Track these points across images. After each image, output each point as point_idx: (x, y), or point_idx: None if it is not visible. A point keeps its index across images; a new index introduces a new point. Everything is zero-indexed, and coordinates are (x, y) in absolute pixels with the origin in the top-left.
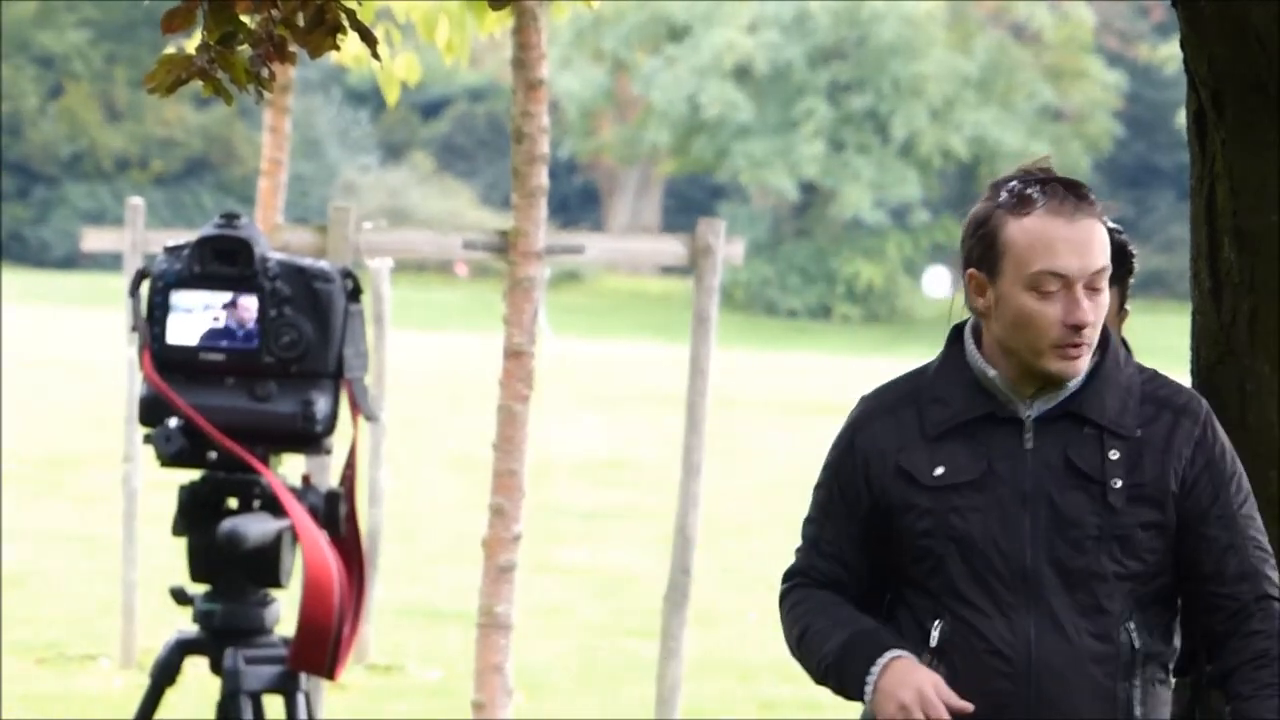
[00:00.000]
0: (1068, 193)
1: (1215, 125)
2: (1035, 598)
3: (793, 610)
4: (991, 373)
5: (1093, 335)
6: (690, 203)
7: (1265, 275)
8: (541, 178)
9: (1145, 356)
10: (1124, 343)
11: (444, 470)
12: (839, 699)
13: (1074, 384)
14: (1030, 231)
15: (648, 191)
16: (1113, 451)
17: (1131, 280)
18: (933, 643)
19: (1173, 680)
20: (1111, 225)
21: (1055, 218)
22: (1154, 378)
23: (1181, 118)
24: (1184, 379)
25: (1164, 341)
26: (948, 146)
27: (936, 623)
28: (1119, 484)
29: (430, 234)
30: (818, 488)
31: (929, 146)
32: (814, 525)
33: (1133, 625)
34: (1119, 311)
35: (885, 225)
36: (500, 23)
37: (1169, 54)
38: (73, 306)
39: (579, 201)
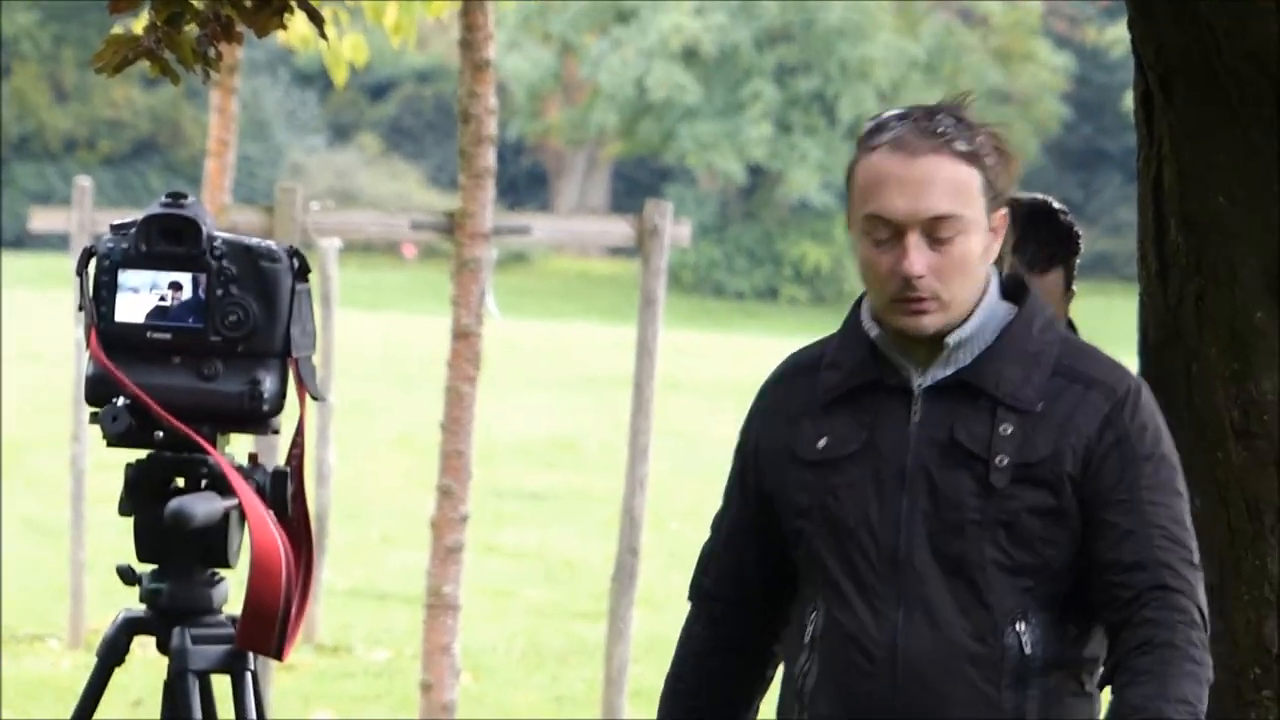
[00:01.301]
0: (921, 124)
1: (1163, 108)
2: (908, 588)
3: (677, 652)
4: (875, 332)
5: (942, 289)
6: (638, 185)
7: (1212, 258)
8: (489, 159)
9: (1091, 339)
10: (1070, 324)
11: (391, 451)
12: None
13: (973, 349)
14: (868, 169)
15: (595, 173)
16: (1004, 426)
17: (1078, 261)
18: (806, 637)
19: (1097, 693)
20: (1057, 206)
21: (894, 154)
22: (1077, 350)
23: (1129, 101)
24: (1132, 361)
25: (1110, 324)
26: None
27: (813, 614)
28: (1004, 461)
29: (377, 215)
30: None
31: None
32: (720, 509)
33: (1023, 627)
34: (1065, 293)
35: (832, 208)
36: (447, 5)
37: (1116, 37)
38: (20, 287)
39: (526, 183)
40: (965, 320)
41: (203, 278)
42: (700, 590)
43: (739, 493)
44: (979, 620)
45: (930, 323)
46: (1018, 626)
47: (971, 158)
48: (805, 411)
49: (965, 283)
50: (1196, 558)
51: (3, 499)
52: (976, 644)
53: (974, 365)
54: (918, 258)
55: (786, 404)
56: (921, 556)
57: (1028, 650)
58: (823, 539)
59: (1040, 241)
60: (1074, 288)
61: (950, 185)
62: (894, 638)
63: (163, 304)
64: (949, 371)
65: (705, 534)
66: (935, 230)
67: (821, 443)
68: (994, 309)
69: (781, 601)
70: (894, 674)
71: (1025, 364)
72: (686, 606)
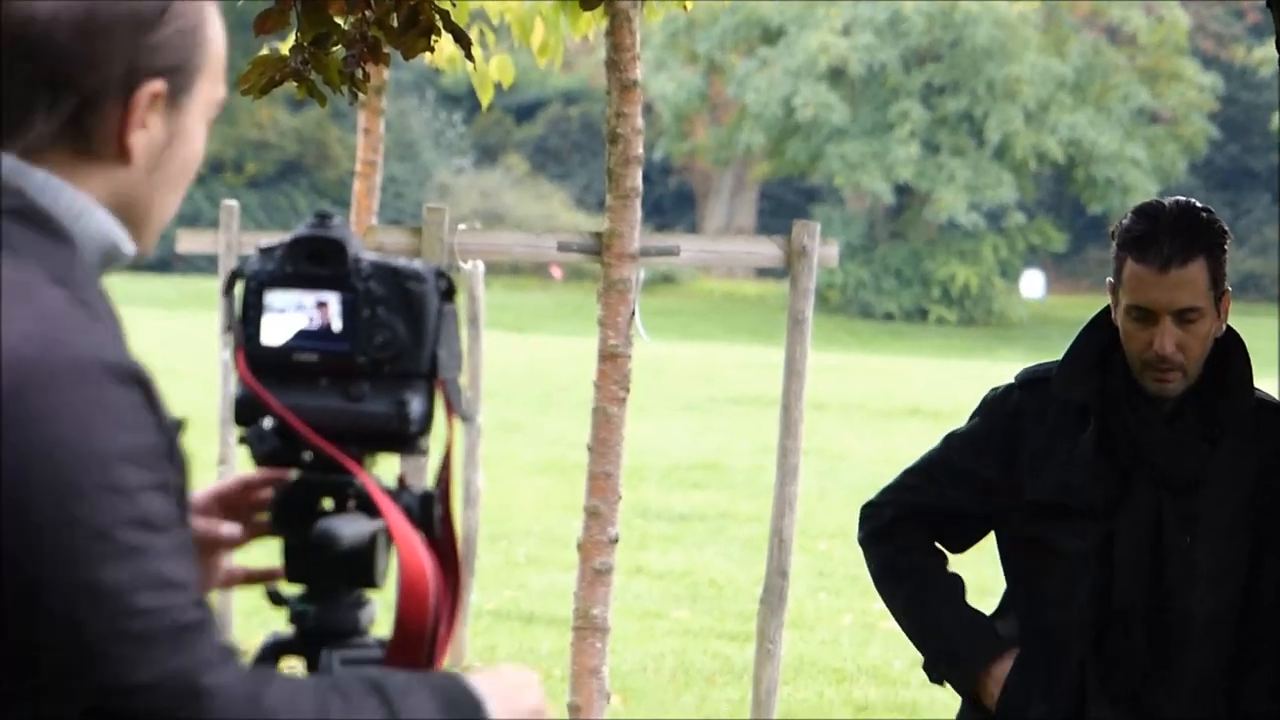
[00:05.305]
0: None
1: None
2: None
3: None
4: None
5: None
6: (784, 205)
7: None
8: (636, 180)
9: None
10: (1230, 330)
11: (538, 473)
12: (933, 705)
13: None
14: None
15: (742, 194)
16: None
17: (1224, 257)
18: None
19: None
20: (1199, 205)
21: None
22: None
23: (1277, 120)
24: (1274, 382)
25: (1257, 345)
26: (1042, 149)
27: None
28: None
29: (524, 236)
30: None
31: (1024, 149)
32: None
33: None
34: (1210, 289)
35: (980, 228)
36: (594, 24)
37: (1264, 56)
38: (168, 309)
39: (673, 204)
40: None
41: (349, 299)
42: None
43: None
44: None
45: None
46: None
47: None
48: None
49: None
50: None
51: None
52: None
53: None
54: None
55: None
56: None
57: None
58: None
59: (1174, 232)
60: (1228, 287)
61: None
62: None
63: (309, 325)
64: None
65: (854, 555)
66: None
67: None
68: None
69: None
70: None
71: None
72: (833, 626)
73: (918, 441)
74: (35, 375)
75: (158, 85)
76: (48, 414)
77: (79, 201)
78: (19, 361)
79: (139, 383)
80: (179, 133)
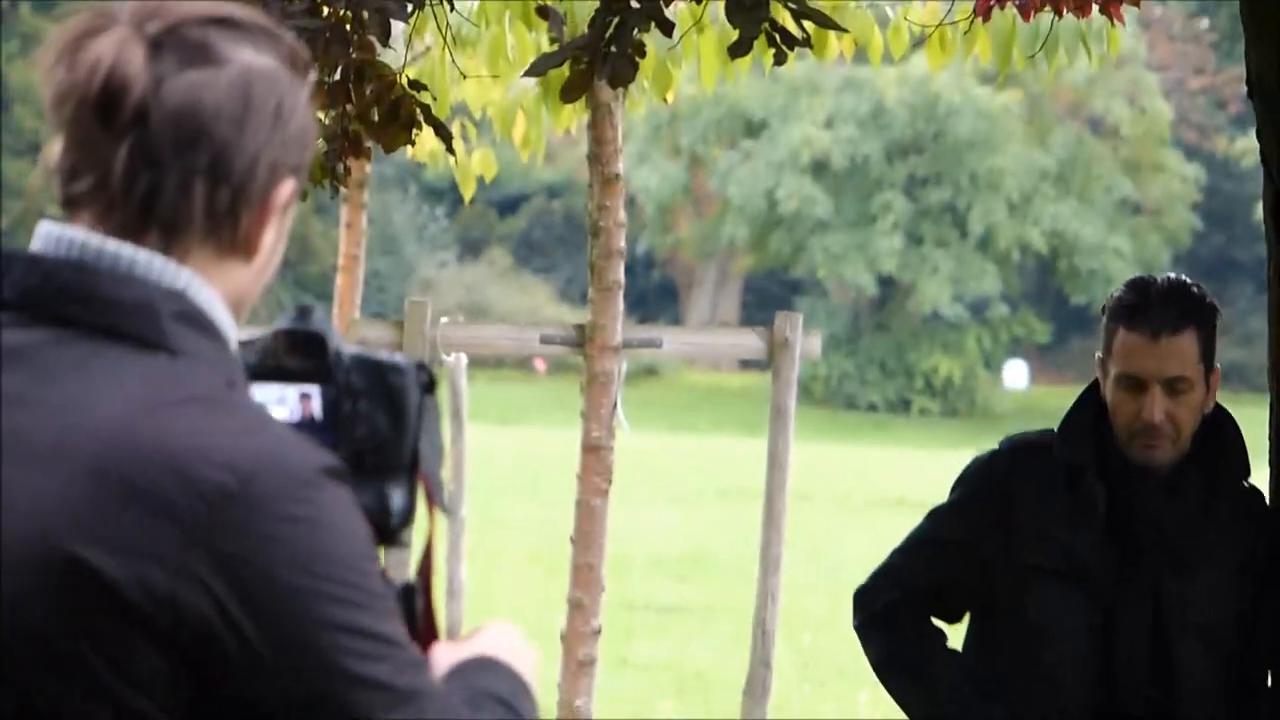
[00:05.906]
0: None
1: None
2: None
3: None
4: None
5: None
6: (768, 298)
7: None
8: (618, 272)
9: None
10: (1220, 407)
11: (523, 565)
12: None
13: None
14: None
15: (726, 287)
16: None
17: (1216, 332)
18: None
19: None
20: (1189, 281)
21: None
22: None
23: (1260, 211)
24: (1262, 473)
25: (1246, 435)
26: (1026, 240)
27: None
28: None
29: (507, 328)
30: None
31: (1007, 240)
32: None
33: None
34: (1199, 362)
35: (964, 319)
36: (576, 118)
37: (1246, 147)
38: None
39: (657, 297)
40: None
41: (330, 392)
42: None
43: None
44: None
45: None
46: None
47: None
48: None
49: None
50: None
51: None
52: None
53: None
54: None
55: None
56: None
57: None
58: None
59: (1166, 302)
60: (1218, 365)
61: None
62: None
63: (291, 418)
64: None
65: (839, 646)
66: None
67: None
68: None
69: None
70: None
71: None
72: (819, 717)
73: (903, 533)
74: (274, 488)
75: (292, 183)
76: (297, 525)
77: (216, 301)
78: (254, 476)
79: (344, 478)
80: (283, 230)
